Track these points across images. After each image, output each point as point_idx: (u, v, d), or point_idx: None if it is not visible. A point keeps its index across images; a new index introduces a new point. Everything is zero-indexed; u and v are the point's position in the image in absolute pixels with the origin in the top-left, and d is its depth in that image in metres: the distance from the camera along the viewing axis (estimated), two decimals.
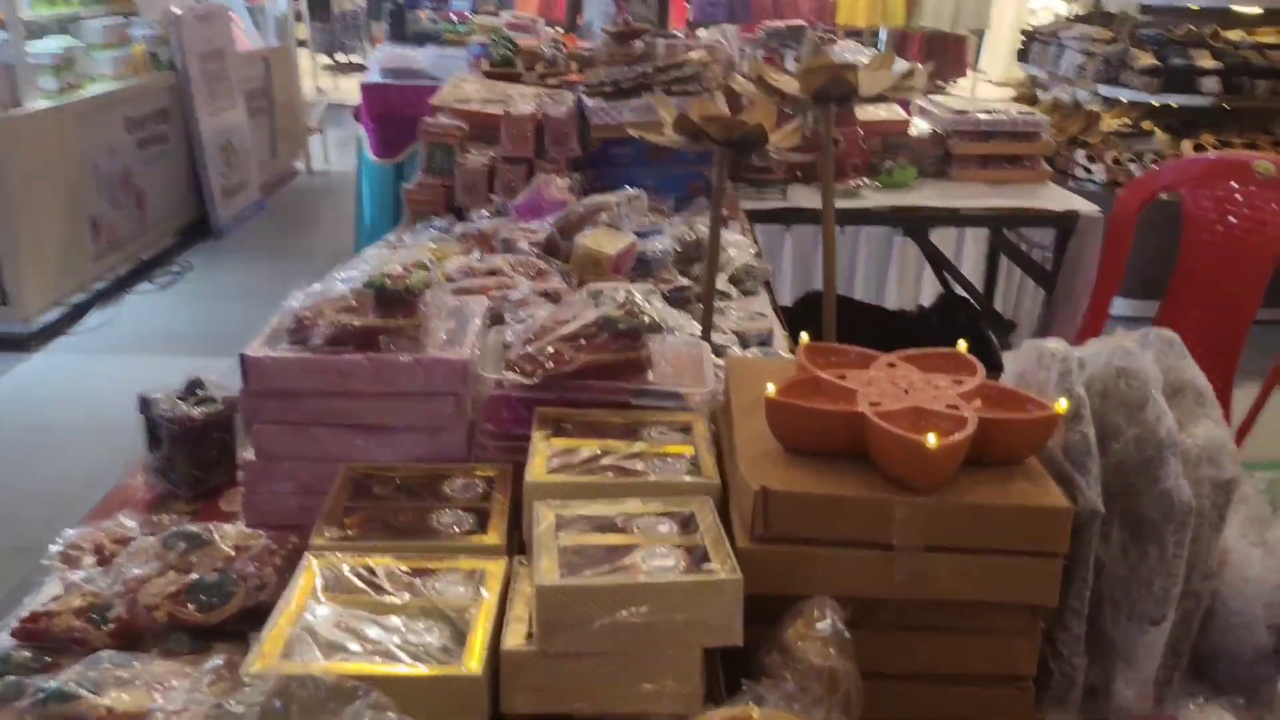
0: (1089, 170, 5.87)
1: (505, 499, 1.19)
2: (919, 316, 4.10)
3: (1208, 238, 3.31)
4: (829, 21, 10.01)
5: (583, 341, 1.28)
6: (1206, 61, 5.85)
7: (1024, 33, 7.90)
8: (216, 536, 1.17)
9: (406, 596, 1.00)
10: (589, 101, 2.82)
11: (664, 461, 1.16)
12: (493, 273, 1.97)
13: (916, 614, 1.04)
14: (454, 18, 6.03)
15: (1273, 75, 5.82)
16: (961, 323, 3.89)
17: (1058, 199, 3.54)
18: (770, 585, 0.99)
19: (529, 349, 1.28)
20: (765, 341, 2.12)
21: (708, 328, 1.49)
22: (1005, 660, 1.06)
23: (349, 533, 1.13)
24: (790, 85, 1.31)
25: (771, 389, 1.05)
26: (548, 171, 2.69)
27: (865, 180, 3.59)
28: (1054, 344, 1.16)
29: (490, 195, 2.67)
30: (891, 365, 1.15)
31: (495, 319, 1.53)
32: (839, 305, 4.36)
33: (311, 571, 1.03)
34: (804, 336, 1.20)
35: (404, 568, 1.05)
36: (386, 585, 1.02)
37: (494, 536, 1.12)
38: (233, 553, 1.15)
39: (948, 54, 11.77)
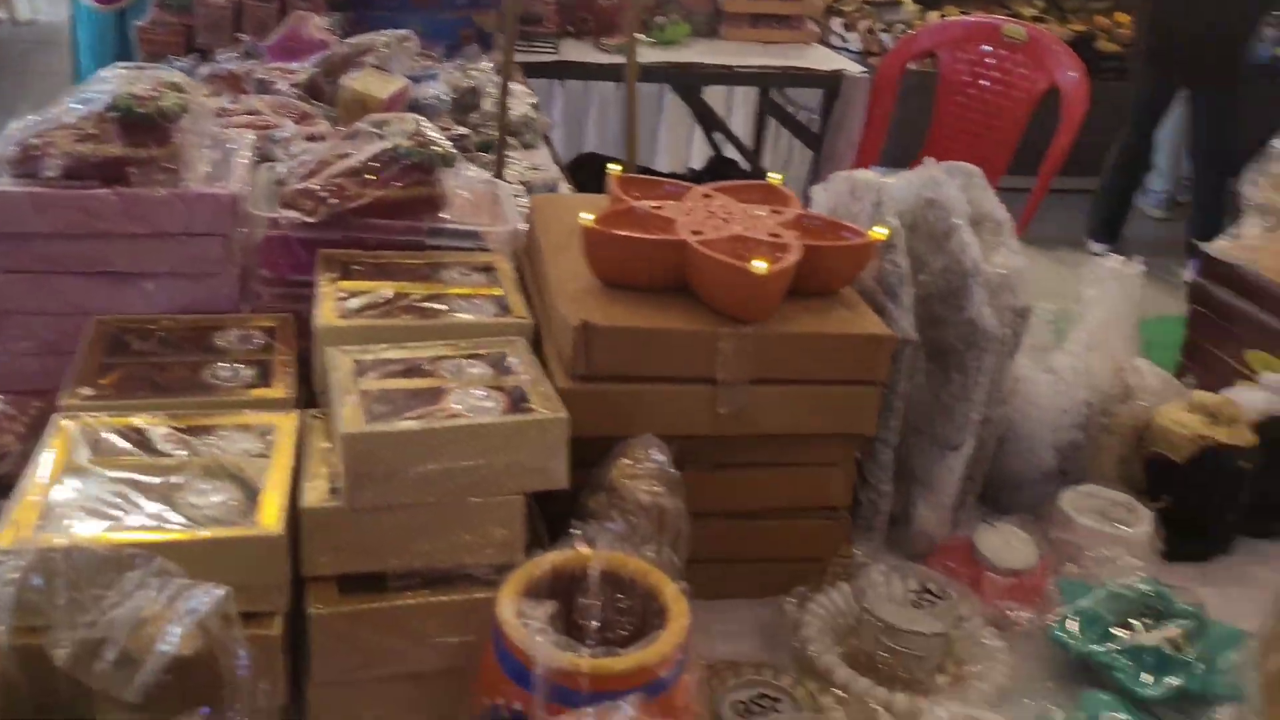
0: (845, 39, 6.00)
1: (289, 350, 1.08)
2: (690, 178, 4.10)
3: (961, 99, 3.45)
4: None
5: (369, 175, 1.16)
6: None
7: None
8: None
9: (185, 456, 0.88)
10: None
11: (468, 302, 1.07)
12: (251, 114, 1.78)
13: (738, 450, 1.02)
14: None
15: None
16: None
17: (825, 59, 3.58)
18: (593, 426, 0.93)
19: (308, 184, 1.14)
20: (552, 190, 2.04)
21: (501, 165, 1.39)
22: (822, 492, 1.06)
23: (106, 392, 0.99)
24: None
25: (589, 218, 0.98)
26: (303, 9, 2.46)
27: (639, 36, 3.49)
28: (866, 174, 1.14)
29: (237, 35, 2.41)
30: (707, 196, 1.10)
31: (263, 158, 1.37)
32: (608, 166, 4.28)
33: (65, 434, 0.89)
34: (613, 168, 1.13)
35: (178, 425, 0.92)
36: (160, 445, 0.89)
37: (280, 389, 1.00)
38: None
39: None
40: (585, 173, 3.79)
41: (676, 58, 3.42)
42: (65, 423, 0.91)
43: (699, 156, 4.43)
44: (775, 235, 1.01)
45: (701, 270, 0.96)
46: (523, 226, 1.23)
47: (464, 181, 1.25)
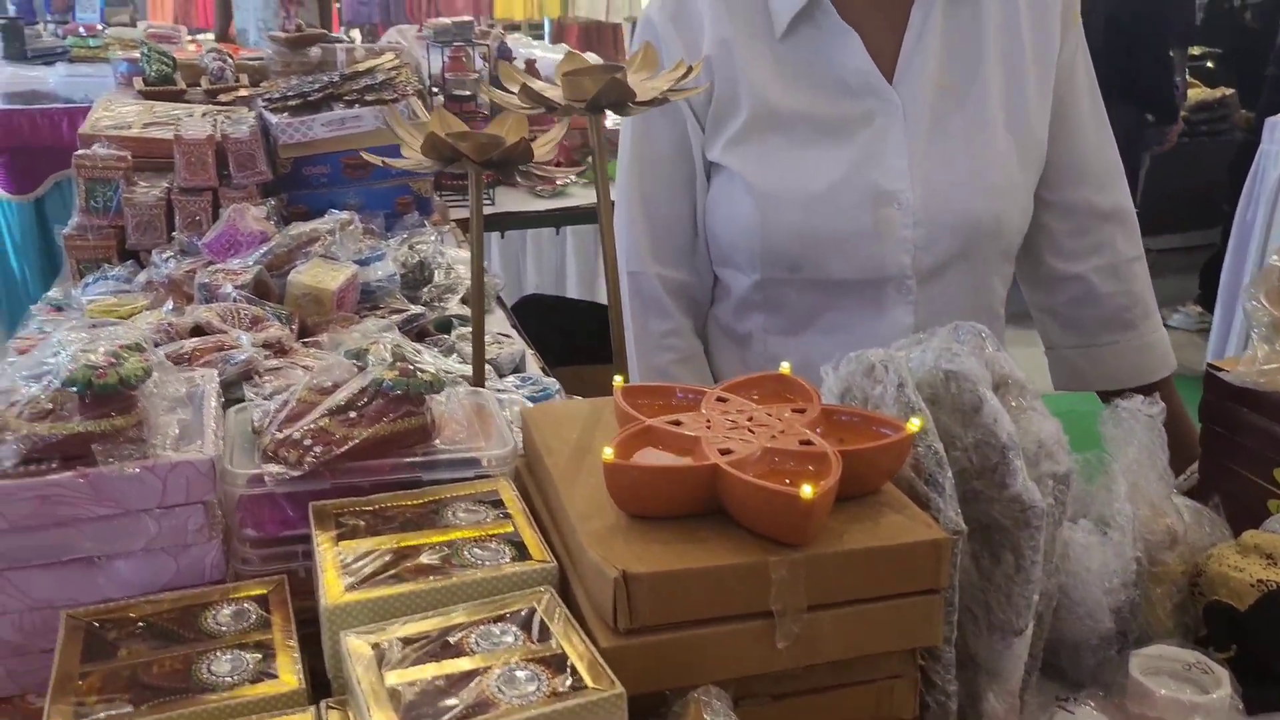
0: None
1: (287, 621, 0.97)
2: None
3: None
4: (487, 15, 9.92)
5: (353, 414, 1.07)
6: None
7: None
8: None
9: None
10: (273, 118, 2.52)
11: (481, 548, 0.98)
12: (200, 330, 1.69)
13: (796, 679, 0.93)
14: (82, 31, 5.36)
15: None
16: None
17: None
18: (644, 684, 0.84)
19: (289, 432, 1.06)
20: (519, 367, 1.97)
21: (480, 372, 1.32)
22: (888, 706, 0.97)
23: (90, 704, 0.87)
24: (556, 94, 1.16)
25: (610, 453, 0.90)
26: (236, 200, 2.39)
27: (572, 177, 3.49)
28: (883, 355, 1.08)
29: (172, 234, 2.33)
30: (722, 400, 1.03)
31: (226, 392, 1.28)
32: (556, 307, 4.25)
33: None
34: (618, 379, 1.06)
35: None
36: None
37: (289, 678, 0.90)
38: None
39: (605, 42, 11.98)
40: (531, 314, 3.75)
41: (613, 195, 3.41)
42: None
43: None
44: (807, 442, 0.94)
45: (740, 497, 0.88)
46: (518, 441, 1.15)
47: (450, 399, 1.17)
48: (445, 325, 2.05)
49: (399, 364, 1.11)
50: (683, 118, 1.51)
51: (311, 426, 1.06)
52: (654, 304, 1.58)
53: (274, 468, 1.04)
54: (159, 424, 1.04)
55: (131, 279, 2.14)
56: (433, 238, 2.35)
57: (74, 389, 0.98)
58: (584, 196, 3.41)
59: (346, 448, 1.05)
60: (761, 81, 1.43)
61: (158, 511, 1.01)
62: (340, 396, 1.08)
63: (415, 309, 2.07)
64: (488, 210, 3.29)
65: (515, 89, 1.16)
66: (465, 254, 2.48)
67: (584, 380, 2.08)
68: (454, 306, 2.18)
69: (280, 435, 1.06)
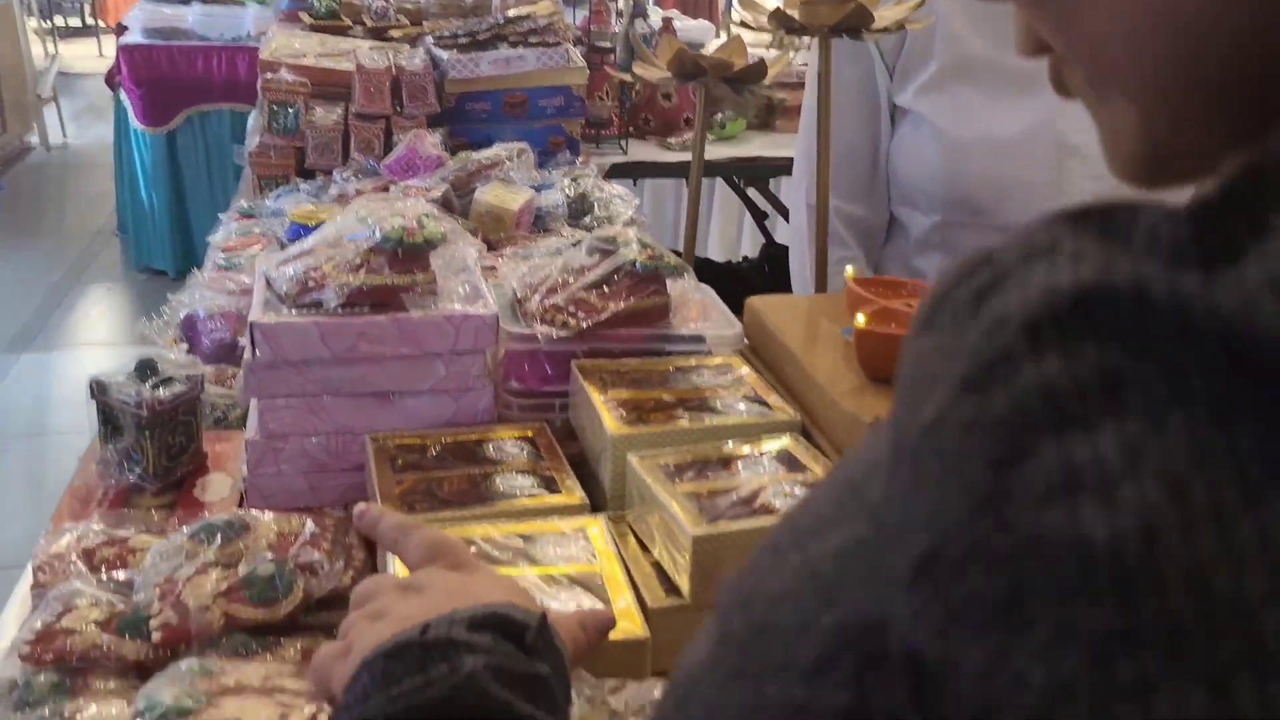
0: None
1: (558, 456, 1.13)
2: (748, 266, 4.20)
3: None
4: None
5: (607, 289, 1.23)
6: None
7: None
8: (253, 524, 1.04)
9: (524, 565, 0.93)
10: (443, 54, 2.69)
11: (730, 402, 1.13)
12: None
13: None
14: None
15: None
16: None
17: None
18: None
19: (555, 300, 1.21)
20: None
21: (690, 259, 1.47)
22: None
23: (404, 508, 1.04)
24: (798, 15, 1.29)
25: (862, 320, 1.04)
26: (407, 128, 2.56)
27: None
28: None
29: (352, 155, 2.51)
30: None
31: None
32: (847, 269, 4.39)
33: None
34: (850, 269, 1.20)
35: (499, 535, 0.97)
36: (496, 555, 0.94)
37: (574, 495, 1.06)
38: (277, 540, 1.03)
39: (700, 7, 12.04)
40: None
41: (741, 152, 3.55)
42: None
43: (749, 244, 4.54)
44: None
45: None
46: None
47: (677, 288, 1.31)
48: None
49: (646, 249, 1.26)
50: (870, 59, 1.62)
51: (575, 297, 1.22)
52: (831, 234, 1.70)
53: (544, 328, 1.20)
54: (447, 284, 1.20)
55: (319, 193, 2.32)
56: (592, 172, 2.50)
57: (388, 245, 1.14)
58: (713, 153, 3.54)
59: (604, 316, 1.21)
60: (954, 32, 1.53)
61: (448, 356, 1.17)
62: (595, 273, 1.23)
63: (581, 235, 2.22)
64: (622, 159, 3.43)
65: (762, 17, 1.30)
66: (619, 189, 2.63)
67: None
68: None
69: (549, 303, 1.22)
